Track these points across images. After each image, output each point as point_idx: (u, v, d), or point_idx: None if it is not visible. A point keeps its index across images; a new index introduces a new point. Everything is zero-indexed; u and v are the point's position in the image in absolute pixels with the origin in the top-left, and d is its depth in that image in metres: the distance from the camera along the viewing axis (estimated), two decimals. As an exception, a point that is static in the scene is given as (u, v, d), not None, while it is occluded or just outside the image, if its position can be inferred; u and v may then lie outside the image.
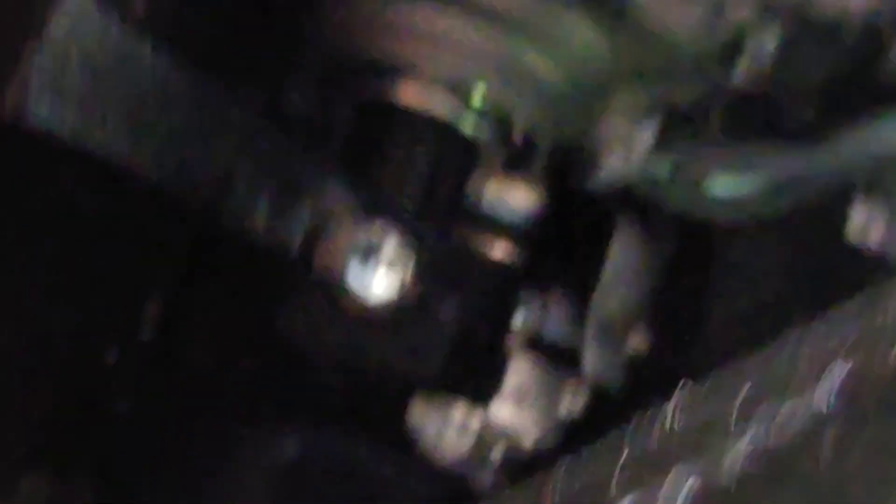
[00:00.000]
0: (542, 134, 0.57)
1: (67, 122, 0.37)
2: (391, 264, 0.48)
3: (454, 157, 0.57)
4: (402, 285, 0.48)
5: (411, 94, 0.55)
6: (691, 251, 1.03)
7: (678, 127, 0.68)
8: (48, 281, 0.49)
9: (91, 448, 0.58)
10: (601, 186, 0.71)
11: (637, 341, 0.86)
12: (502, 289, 0.55)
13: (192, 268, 0.56)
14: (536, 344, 0.82)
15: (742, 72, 0.57)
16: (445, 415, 0.83)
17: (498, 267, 0.54)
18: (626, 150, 0.66)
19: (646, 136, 0.66)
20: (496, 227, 0.84)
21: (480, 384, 0.54)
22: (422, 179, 0.55)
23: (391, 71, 0.55)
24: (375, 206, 0.49)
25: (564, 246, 0.88)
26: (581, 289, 0.85)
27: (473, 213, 0.66)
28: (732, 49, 0.56)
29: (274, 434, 0.50)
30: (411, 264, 0.47)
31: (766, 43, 0.56)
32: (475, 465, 0.86)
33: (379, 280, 0.48)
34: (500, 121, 0.57)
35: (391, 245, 0.47)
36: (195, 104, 0.41)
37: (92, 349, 0.55)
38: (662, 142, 0.67)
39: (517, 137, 0.59)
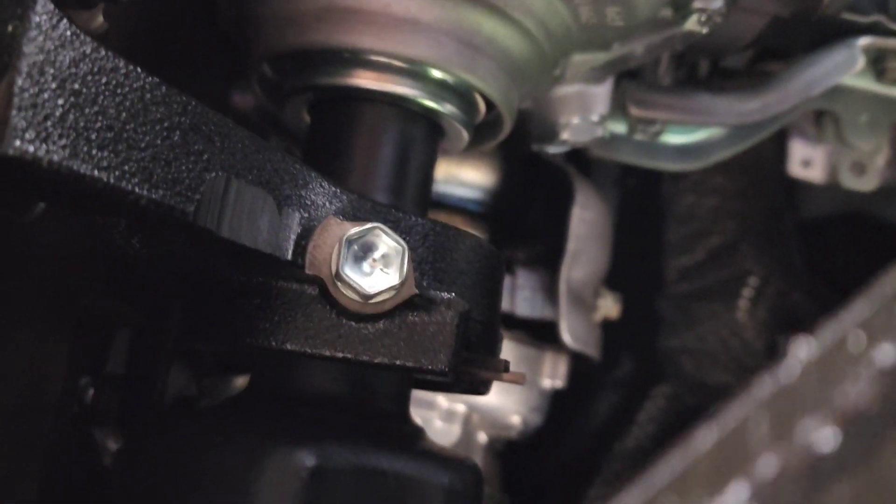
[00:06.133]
0: (503, 103, 0.56)
1: (53, 149, 0.34)
2: (387, 261, 0.46)
3: (420, 136, 0.55)
4: (400, 281, 0.46)
5: (370, 79, 0.54)
6: (642, 207, 1.05)
7: (631, 83, 0.69)
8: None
9: (90, 493, 0.55)
10: (559, 151, 0.71)
11: (606, 305, 0.87)
12: (491, 271, 0.54)
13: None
14: (509, 322, 0.82)
15: (694, 23, 0.58)
16: (431, 403, 0.82)
17: (484, 249, 0.53)
18: (585, 111, 0.66)
19: (603, 96, 0.66)
20: (451, 208, 0.83)
21: (480, 375, 0.53)
22: (392, 164, 0.54)
23: (347, 57, 0.53)
24: (362, 204, 0.48)
25: (522, 220, 0.88)
26: (545, 261, 0.85)
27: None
28: (685, 1, 0.57)
29: (291, 448, 0.48)
30: (406, 260, 0.46)
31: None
32: (466, 449, 0.85)
33: (376, 278, 0.46)
34: (462, 94, 0.56)
35: (384, 242, 0.46)
36: (173, 113, 0.39)
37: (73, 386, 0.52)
38: (617, 99, 0.68)
39: (481, 108, 0.58)
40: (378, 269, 0.47)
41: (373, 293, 0.47)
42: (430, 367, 0.48)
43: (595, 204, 0.82)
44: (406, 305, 0.48)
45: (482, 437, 0.86)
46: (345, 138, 0.55)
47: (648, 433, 1.02)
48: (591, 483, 0.99)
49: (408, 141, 0.56)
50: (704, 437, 0.28)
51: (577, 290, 0.83)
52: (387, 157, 0.55)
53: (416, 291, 0.48)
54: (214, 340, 0.52)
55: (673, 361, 1.03)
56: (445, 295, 0.49)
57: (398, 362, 0.48)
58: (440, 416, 0.83)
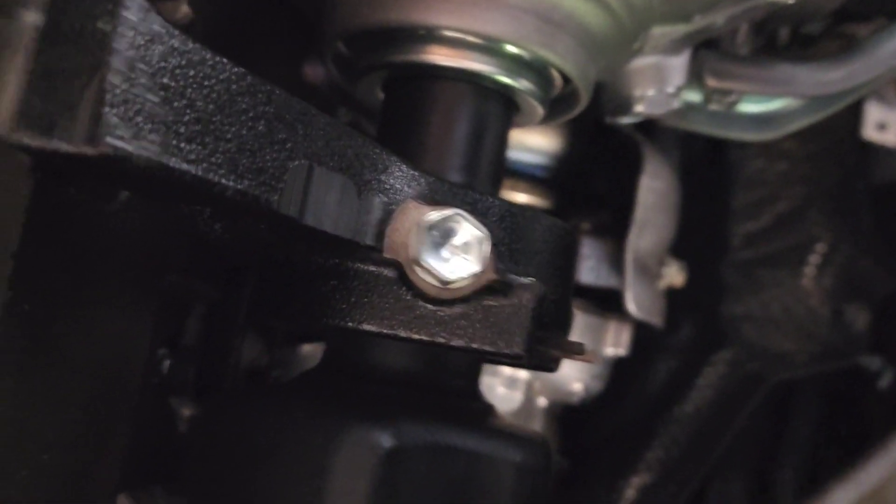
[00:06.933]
0: (581, 79, 0.55)
1: (144, 145, 0.35)
2: (466, 248, 0.46)
3: (495, 113, 0.55)
4: (480, 268, 0.46)
5: (446, 56, 0.53)
6: (707, 172, 1.03)
7: (708, 53, 0.67)
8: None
9: (168, 459, 0.56)
10: (633, 121, 0.69)
11: (671, 273, 0.86)
12: (565, 251, 0.53)
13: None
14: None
15: (780, -9, 0.55)
16: (493, 370, 0.82)
17: (559, 229, 0.52)
18: (661, 83, 0.64)
19: (679, 67, 0.64)
20: (516, 174, 0.82)
21: (552, 354, 0.53)
22: (467, 142, 0.53)
23: (422, 35, 0.52)
24: (440, 186, 0.48)
25: (588, 187, 0.87)
26: (610, 229, 0.84)
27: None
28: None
29: (368, 426, 0.48)
30: (486, 246, 0.46)
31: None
32: (526, 414, 0.86)
33: (455, 264, 0.46)
34: (538, 70, 0.55)
35: (464, 228, 0.46)
36: (258, 103, 0.39)
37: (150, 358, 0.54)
38: (693, 69, 0.66)
39: (557, 84, 0.57)
40: (457, 255, 0.47)
41: (451, 279, 0.47)
42: (506, 351, 0.48)
43: (664, 173, 0.81)
44: (484, 289, 0.48)
45: (543, 402, 0.87)
46: (420, 116, 0.54)
47: (707, 399, 1.02)
48: (648, 446, 0.99)
49: (483, 118, 0.55)
50: (841, 499, 0.27)
51: (643, 260, 0.82)
52: (463, 135, 0.54)
53: (495, 277, 0.48)
54: (290, 319, 0.52)
55: (735, 328, 1.02)
56: (523, 279, 0.49)
57: (475, 345, 0.49)
58: (502, 382, 0.83)
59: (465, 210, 0.48)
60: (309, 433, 0.50)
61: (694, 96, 0.70)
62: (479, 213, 0.49)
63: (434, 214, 0.47)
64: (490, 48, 0.53)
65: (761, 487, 1.02)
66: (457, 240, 0.47)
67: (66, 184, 0.38)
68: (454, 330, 0.49)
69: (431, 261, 0.47)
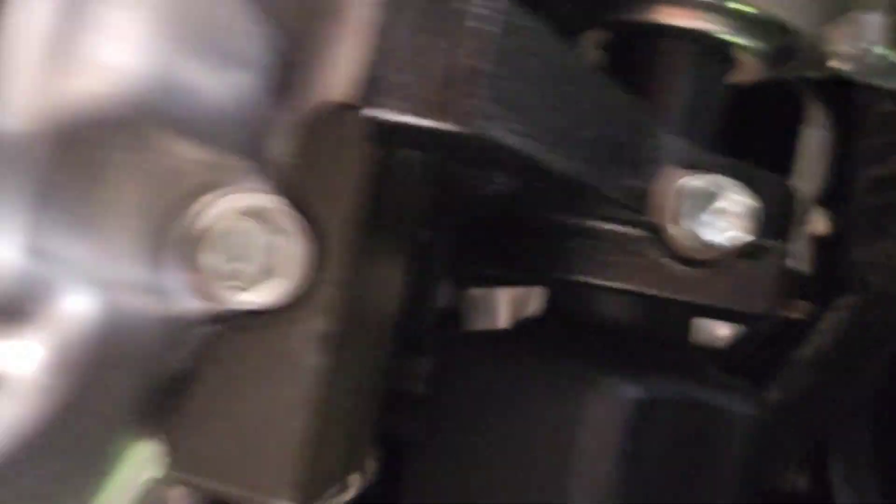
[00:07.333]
0: (805, 35, 0.56)
1: (514, 130, 0.35)
2: (727, 213, 0.47)
3: (722, 73, 0.55)
4: (740, 233, 0.48)
5: (674, 15, 0.53)
6: (834, 114, 1.02)
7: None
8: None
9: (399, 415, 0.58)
10: (821, 76, 0.69)
11: (816, 220, 0.87)
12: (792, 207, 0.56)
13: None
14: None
15: None
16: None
17: (790, 190, 0.54)
18: (857, 38, 0.64)
19: (879, 22, 0.64)
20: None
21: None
22: (703, 104, 0.54)
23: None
24: (700, 153, 0.49)
25: (742, 136, 0.87)
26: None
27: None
28: None
29: (620, 378, 0.50)
30: (748, 212, 0.47)
31: None
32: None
33: (716, 228, 0.48)
34: (765, 27, 0.55)
35: (728, 192, 0.47)
36: (578, 84, 0.40)
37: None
38: (889, 24, 0.66)
39: (780, 44, 0.58)
40: (719, 220, 0.49)
41: (712, 244, 0.48)
42: (752, 312, 0.51)
43: (825, 122, 0.81)
44: (738, 252, 0.50)
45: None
46: (652, 78, 0.55)
47: (828, 343, 1.03)
48: (767, 387, 1.01)
49: (712, 79, 0.56)
50: None
51: (799, 210, 0.83)
52: (697, 97, 0.55)
53: (753, 239, 0.49)
54: (531, 273, 0.54)
55: (859, 274, 1.02)
56: (771, 242, 0.51)
57: (721, 306, 0.51)
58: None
59: (723, 174, 0.49)
60: (557, 384, 0.51)
61: (882, 50, 0.70)
62: (731, 178, 0.50)
63: (699, 179, 0.48)
64: (722, 7, 0.54)
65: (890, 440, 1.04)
66: (720, 205, 0.48)
67: (391, 149, 0.39)
68: (703, 291, 0.50)
69: (693, 224, 0.48)
